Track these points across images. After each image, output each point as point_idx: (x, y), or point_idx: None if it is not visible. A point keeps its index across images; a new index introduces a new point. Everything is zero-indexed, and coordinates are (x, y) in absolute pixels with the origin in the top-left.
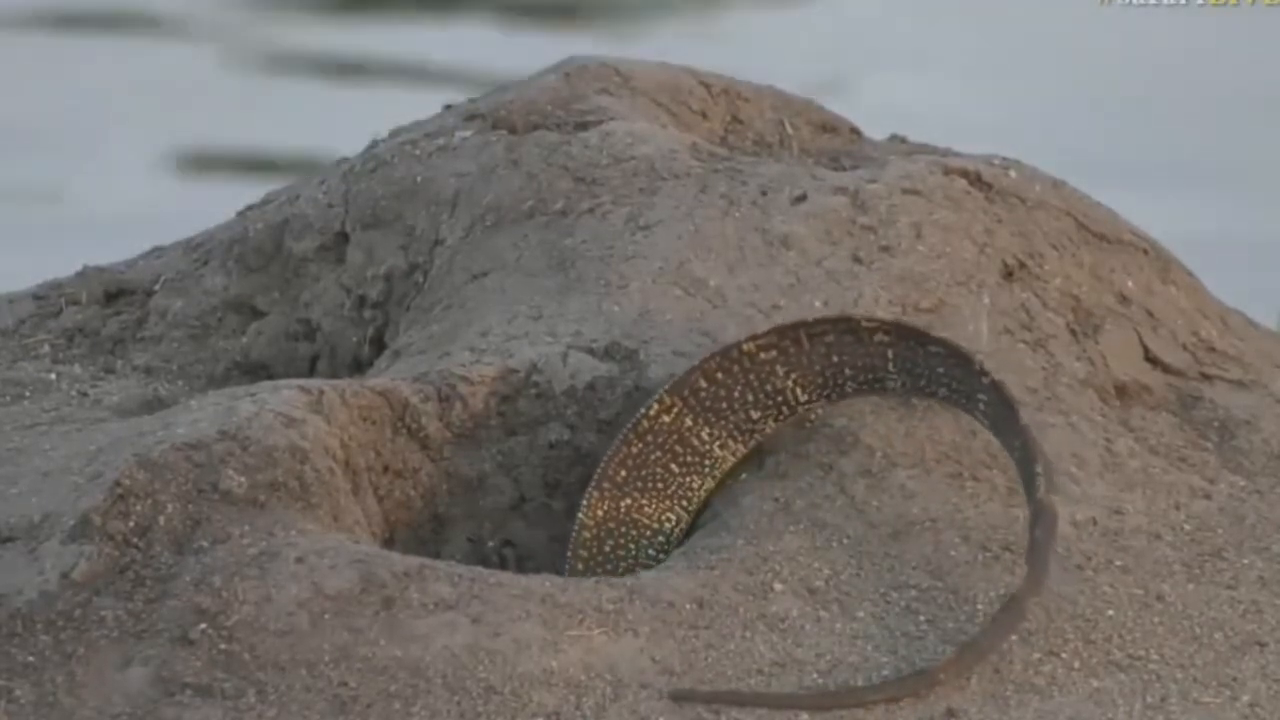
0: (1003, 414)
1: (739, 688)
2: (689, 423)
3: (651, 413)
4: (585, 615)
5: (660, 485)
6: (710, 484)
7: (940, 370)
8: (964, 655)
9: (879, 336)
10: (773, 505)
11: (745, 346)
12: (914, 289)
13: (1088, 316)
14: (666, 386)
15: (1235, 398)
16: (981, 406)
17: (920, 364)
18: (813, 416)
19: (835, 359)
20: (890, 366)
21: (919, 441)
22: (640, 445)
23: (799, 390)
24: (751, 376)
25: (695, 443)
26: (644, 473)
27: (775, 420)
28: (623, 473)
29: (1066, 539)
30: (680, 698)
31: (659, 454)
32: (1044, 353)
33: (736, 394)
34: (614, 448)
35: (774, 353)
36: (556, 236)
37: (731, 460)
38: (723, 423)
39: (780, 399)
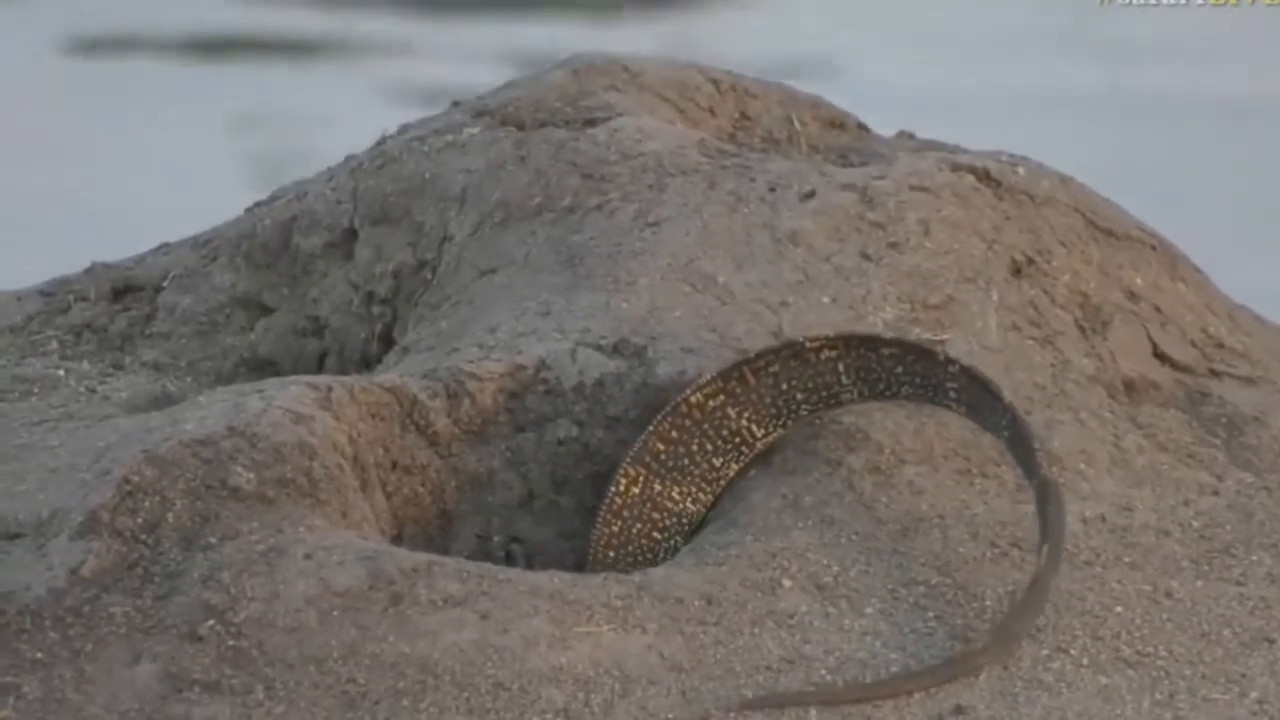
0: (981, 398)
1: (805, 688)
2: (658, 488)
3: (620, 489)
4: (594, 612)
5: (649, 555)
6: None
7: (899, 370)
8: (1000, 638)
9: (825, 353)
10: (781, 502)
11: (692, 399)
12: (922, 285)
13: (1096, 313)
14: (627, 458)
15: (1243, 394)
16: (953, 395)
17: (875, 369)
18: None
19: (785, 386)
20: (844, 379)
21: (927, 438)
22: (620, 523)
23: (754, 427)
24: (705, 426)
25: (669, 505)
26: (631, 547)
27: (738, 462)
28: (610, 553)
29: (1075, 535)
30: (753, 706)
31: (640, 525)
32: (1052, 349)
33: (695, 447)
34: (596, 530)
35: (721, 398)
36: (564, 233)
37: (704, 511)
38: (689, 478)
39: (739, 440)
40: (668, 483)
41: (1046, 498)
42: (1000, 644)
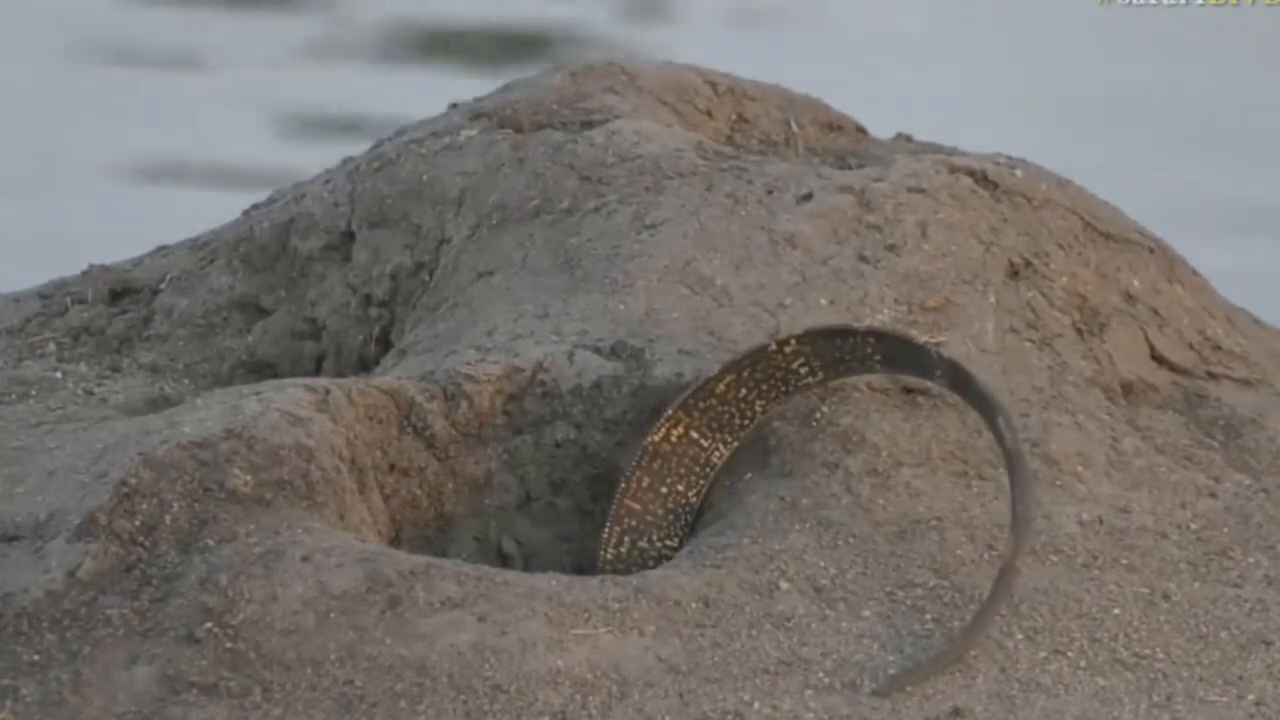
0: (833, 351)
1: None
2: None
3: None
4: (591, 614)
5: None
6: None
7: (742, 393)
8: (1017, 533)
9: (675, 434)
10: (779, 504)
11: (608, 555)
12: (920, 288)
13: (1094, 315)
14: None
15: (1241, 396)
16: (805, 373)
17: (723, 410)
18: (818, 415)
19: (664, 490)
20: (704, 443)
21: (924, 440)
22: None
23: (668, 541)
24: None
25: None
26: None
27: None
28: None
29: (1072, 537)
30: (885, 691)
31: None
32: (1050, 351)
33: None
34: None
35: (628, 540)
36: (562, 235)
37: None
38: None
39: (664, 559)
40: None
41: (961, 379)
42: (1021, 537)
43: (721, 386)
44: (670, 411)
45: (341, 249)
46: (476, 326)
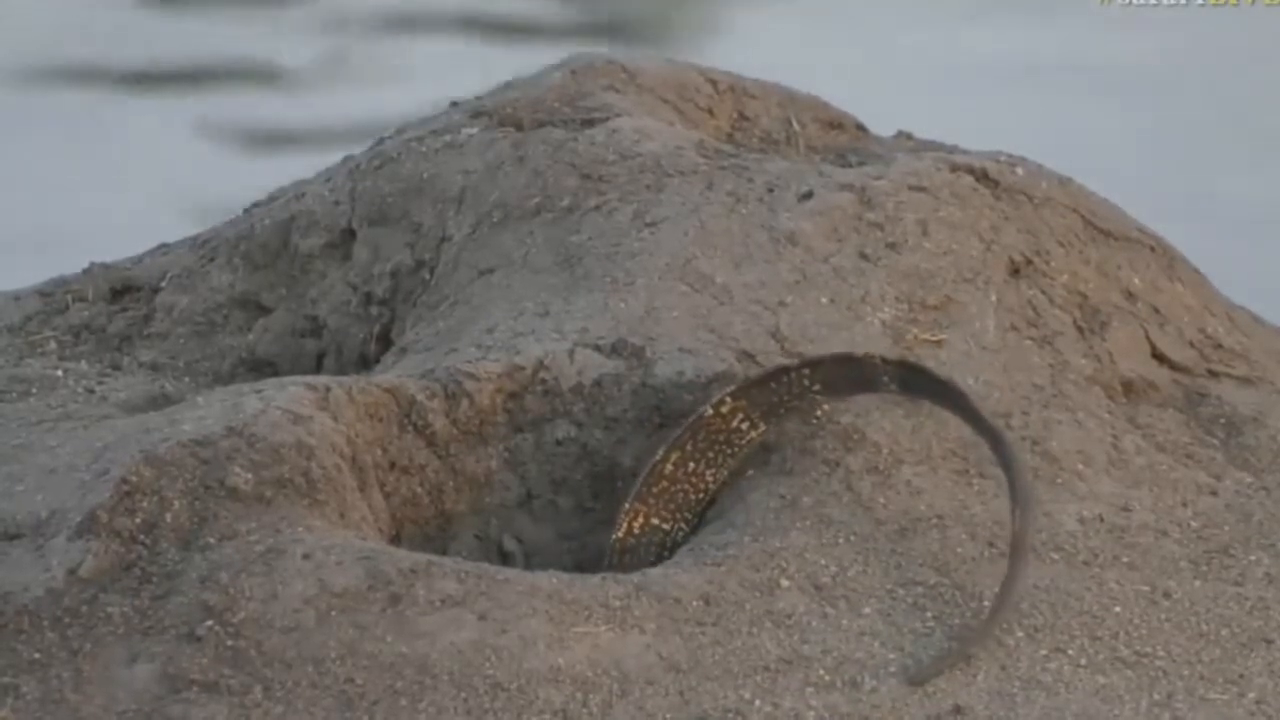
0: (761, 397)
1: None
2: None
3: None
4: (592, 612)
5: None
6: None
7: (690, 469)
8: (1022, 510)
9: (638, 525)
10: (779, 502)
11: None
12: (920, 286)
13: (1094, 313)
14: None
15: (1242, 394)
16: (750, 434)
17: (673, 490)
18: (818, 413)
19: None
20: (665, 527)
21: (925, 438)
22: None
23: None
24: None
25: None
26: None
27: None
28: None
29: (1073, 535)
30: (919, 680)
31: None
32: (1050, 350)
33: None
34: None
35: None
36: (563, 233)
37: None
38: None
39: None
40: None
41: (912, 375)
42: (1026, 506)
43: (669, 466)
44: (627, 505)
45: (342, 247)
46: (477, 324)
